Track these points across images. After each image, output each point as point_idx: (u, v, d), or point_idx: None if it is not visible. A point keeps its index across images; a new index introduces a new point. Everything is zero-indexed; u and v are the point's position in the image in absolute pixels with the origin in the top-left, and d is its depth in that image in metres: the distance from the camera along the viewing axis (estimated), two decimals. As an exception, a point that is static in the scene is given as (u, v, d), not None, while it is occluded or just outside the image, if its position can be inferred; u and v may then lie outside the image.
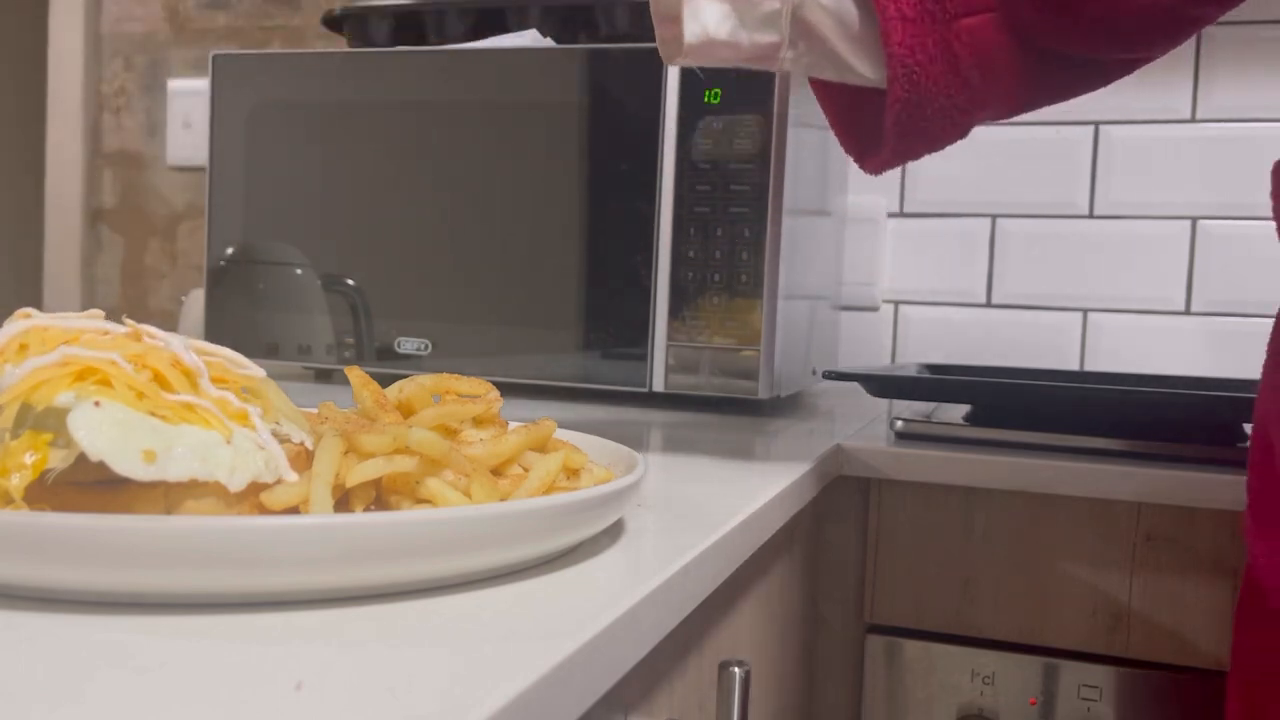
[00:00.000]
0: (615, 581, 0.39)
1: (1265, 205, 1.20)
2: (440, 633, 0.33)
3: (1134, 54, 0.65)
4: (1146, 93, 1.24)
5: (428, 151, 1.02)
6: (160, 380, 0.37)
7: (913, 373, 1.02)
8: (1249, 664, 0.61)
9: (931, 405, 1.00)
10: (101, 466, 0.34)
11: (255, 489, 0.37)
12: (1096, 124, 1.25)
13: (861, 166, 0.70)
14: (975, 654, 0.83)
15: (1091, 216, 1.26)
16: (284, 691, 0.27)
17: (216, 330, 1.09)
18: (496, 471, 0.43)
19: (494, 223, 1.00)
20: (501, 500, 0.40)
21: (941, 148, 0.65)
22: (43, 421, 0.35)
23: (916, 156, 0.66)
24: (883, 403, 1.13)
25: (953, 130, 0.63)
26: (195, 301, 1.24)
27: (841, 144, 0.71)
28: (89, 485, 0.36)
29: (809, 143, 1.02)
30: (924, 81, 0.60)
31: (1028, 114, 0.67)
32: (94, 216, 1.64)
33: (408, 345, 1.03)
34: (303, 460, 0.40)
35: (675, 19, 0.60)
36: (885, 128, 0.63)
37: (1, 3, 2.56)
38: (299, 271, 1.07)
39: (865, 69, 0.62)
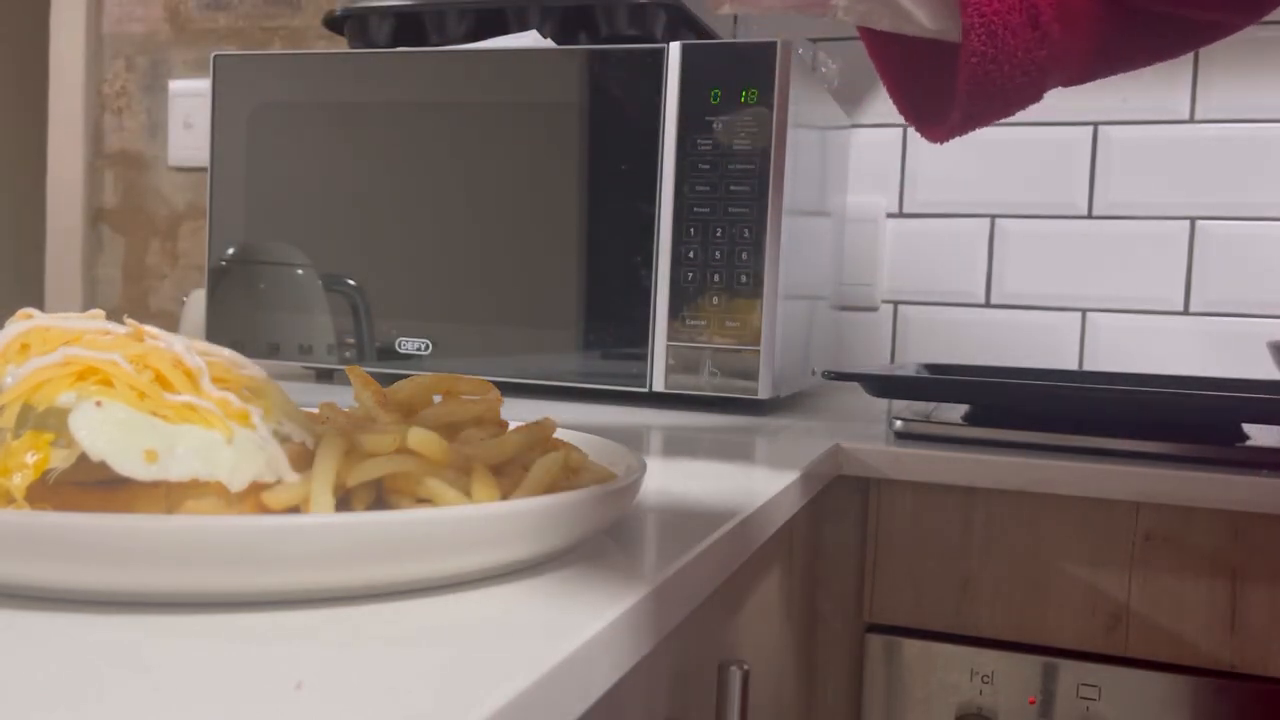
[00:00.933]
0: (615, 581, 0.39)
1: (1264, 205, 1.20)
2: (440, 633, 0.33)
3: (1222, 13, 0.60)
4: (1145, 93, 1.24)
5: (428, 152, 1.02)
6: (161, 381, 0.37)
7: (912, 373, 1.02)
8: None
9: (931, 405, 1.00)
10: (103, 466, 0.34)
11: (256, 489, 0.37)
12: (1095, 124, 1.25)
13: (924, 134, 0.65)
14: (974, 653, 0.83)
15: (1090, 217, 1.26)
16: (284, 691, 0.27)
17: (217, 330, 1.09)
18: (496, 471, 0.44)
19: (494, 223, 1.00)
20: (501, 500, 0.40)
21: (1014, 112, 0.61)
22: (44, 421, 0.35)
23: (988, 121, 0.62)
24: (882, 403, 1.13)
25: (1028, 91, 0.58)
26: (196, 301, 1.24)
27: (900, 111, 0.66)
28: (90, 485, 0.36)
29: (809, 143, 1.02)
30: (1002, 34, 0.55)
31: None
32: (95, 217, 1.64)
33: (408, 345, 1.03)
34: (303, 460, 0.40)
35: None
36: (958, 88, 0.58)
37: (2, 3, 2.56)
38: (300, 271, 1.07)
39: (925, 18, 0.57)
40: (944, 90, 0.62)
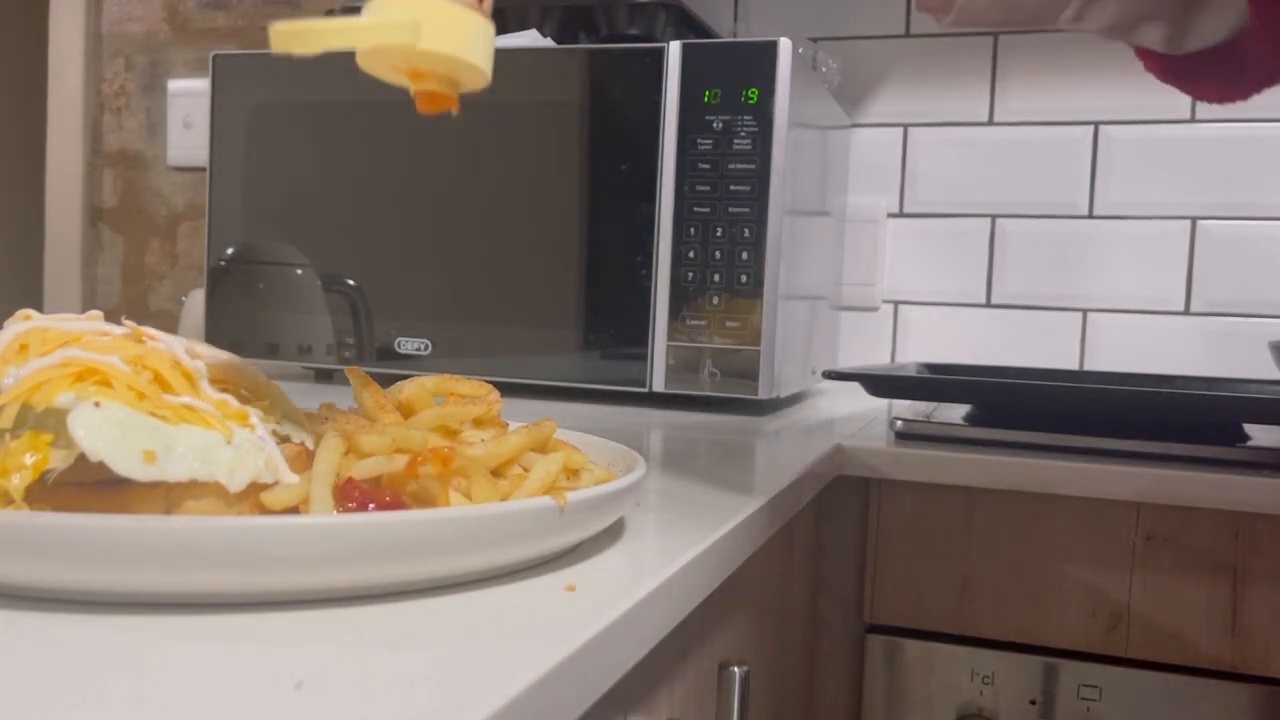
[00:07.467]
0: (615, 581, 0.39)
1: (1265, 205, 1.20)
2: (440, 633, 0.33)
3: None
4: (1146, 93, 1.24)
5: (427, 151, 1.02)
6: (160, 382, 0.37)
7: (913, 373, 1.02)
8: None
9: (931, 405, 1.00)
10: (102, 467, 0.34)
11: (255, 489, 0.37)
12: (1096, 124, 1.25)
13: (1218, 100, 0.68)
14: (975, 654, 0.83)
15: (1091, 216, 1.26)
16: (284, 691, 0.27)
17: (217, 330, 1.09)
18: (497, 472, 0.43)
19: (494, 223, 1.00)
20: (501, 500, 0.40)
21: None
22: (43, 422, 0.35)
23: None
24: (883, 403, 1.13)
25: None
26: (196, 301, 1.24)
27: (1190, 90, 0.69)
28: (89, 485, 0.36)
29: (809, 143, 1.02)
30: None
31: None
32: (94, 216, 1.64)
33: (408, 345, 1.03)
34: (303, 460, 0.40)
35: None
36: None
37: (1, 3, 2.56)
38: (299, 271, 1.07)
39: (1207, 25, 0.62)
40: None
